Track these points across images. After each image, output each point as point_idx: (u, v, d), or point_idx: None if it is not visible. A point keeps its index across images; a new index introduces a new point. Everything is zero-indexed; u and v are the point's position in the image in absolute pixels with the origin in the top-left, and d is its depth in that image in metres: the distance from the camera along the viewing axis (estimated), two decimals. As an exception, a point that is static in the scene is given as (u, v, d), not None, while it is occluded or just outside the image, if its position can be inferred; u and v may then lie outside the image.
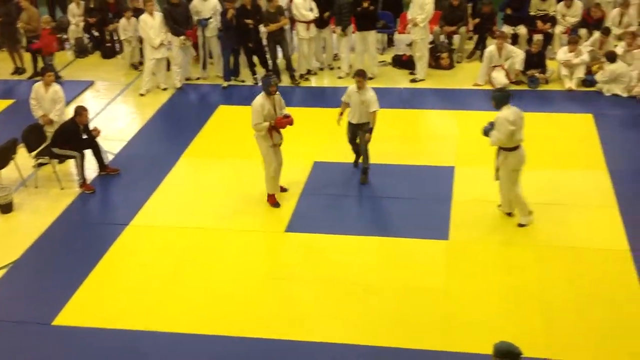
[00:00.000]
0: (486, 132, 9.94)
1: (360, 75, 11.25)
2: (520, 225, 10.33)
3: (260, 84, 10.78)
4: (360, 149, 11.64)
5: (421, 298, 9.07)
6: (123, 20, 16.38)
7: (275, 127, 10.61)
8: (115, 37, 17.76)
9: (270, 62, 15.71)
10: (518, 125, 9.83)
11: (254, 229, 10.68)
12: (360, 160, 11.77)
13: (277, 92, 10.69)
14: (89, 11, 17.82)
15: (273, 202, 11.10)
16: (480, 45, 16.37)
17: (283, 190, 11.32)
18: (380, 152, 12.35)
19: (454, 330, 8.50)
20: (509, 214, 10.51)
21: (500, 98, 9.90)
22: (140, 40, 15.92)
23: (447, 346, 8.28)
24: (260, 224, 10.80)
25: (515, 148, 9.96)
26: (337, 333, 8.55)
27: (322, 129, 13.01)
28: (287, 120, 10.64)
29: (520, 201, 10.31)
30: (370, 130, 11.25)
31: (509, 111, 9.77)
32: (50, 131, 12.25)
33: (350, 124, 11.52)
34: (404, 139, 12.97)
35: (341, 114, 11.56)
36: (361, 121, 11.33)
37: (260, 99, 10.57)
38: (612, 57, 14.28)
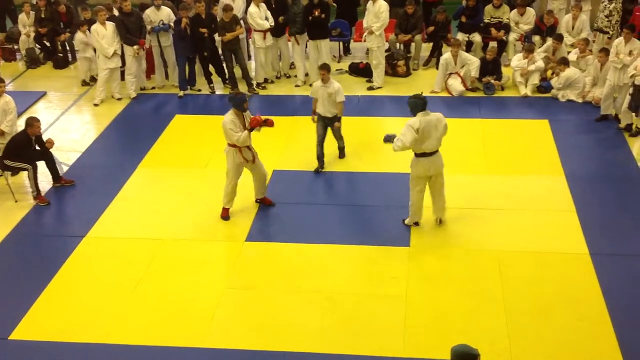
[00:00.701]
0: (387, 140, 9.91)
1: (324, 69, 11.80)
2: (403, 220, 10.46)
3: (229, 99, 10.58)
4: (335, 137, 12.28)
5: (383, 305, 9.05)
6: (79, 34, 16.06)
7: (250, 130, 10.41)
8: (67, 47, 17.54)
9: (226, 71, 15.66)
10: (428, 133, 9.69)
11: (214, 239, 10.56)
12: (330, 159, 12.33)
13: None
14: (39, 21, 17.54)
15: (224, 215, 10.98)
16: (436, 53, 16.47)
17: (268, 202, 11.17)
18: (340, 160, 12.37)
19: (416, 337, 8.48)
20: (439, 221, 10.54)
21: (414, 105, 9.81)
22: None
23: (409, 353, 8.27)
24: (220, 234, 10.68)
25: (423, 155, 9.87)
26: (298, 341, 8.49)
27: (280, 137, 12.95)
28: (257, 120, 10.38)
29: (415, 207, 10.30)
30: (339, 119, 11.93)
31: (420, 118, 9.67)
32: (2, 143, 11.98)
33: (321, 118, 11.98)
34: (362, 147, 12.95)
35: (314, 111, 12.06)
36: (333, 114, 11.88)
37: (229, 116, 10.41)
38: (565, 64, 14.45)
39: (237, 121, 10.38)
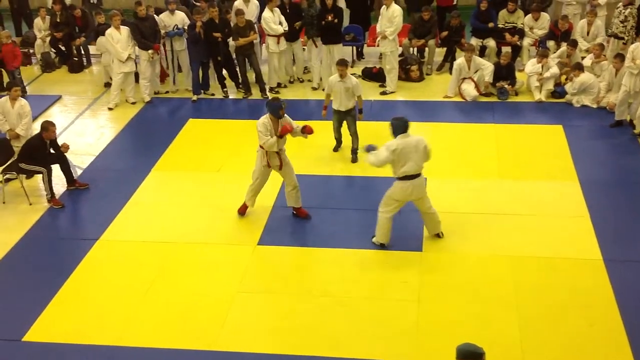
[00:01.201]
0: (368, 149, 9.82)
1: (343, 65, 12.17)
2: (373, 238, 10.26)
3: (266, 104, 10.59)
4: (350, 133, 12.61)
5: (395, 310, 9.03)
6: (102, 38, 16.04)
7: (280, 137, 10.39)
8: (82, 52, 17.64)
9: (239, 75, 15.72)
10: (407, 155, 9.48)
11: (226, 242, 10.57)
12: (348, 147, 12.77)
13: (285, 115, 10.50)
14: (55, 25, 17.64)
15: (241, 210, 11.09)
16: (450, 58, 16.46)
17: (303, 215, 11.04)
18: (351, 164, 12.39)
19: (428, 342, 8.46)
20: (437, 235, 10.38)
21: (396, 126, 9.60)
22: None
23: (421, 358, 8.26)
24: (232, 237, 10.69)
25: (405, 178, 9.64)
26: (310, 345, 8.49)
27: (293, 141, 12.90)
28: (286, 128, 10.35)
29: (383, 229, 10.06)
30: (360, 111, 12.55)
31: (398, 141, 9.48)
32: (17, 146, 12.08)
33: (336, 112, 12.45)
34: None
35: (325, 107, 12.58)
36: (348, 107, 12.31)
37: (264, 118, 10.38)
38: (579, 69, 14.41)
39: (270, 125, 10.34)
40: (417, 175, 9.68)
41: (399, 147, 9.44)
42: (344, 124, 12.62)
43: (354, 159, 12.62)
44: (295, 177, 10.84)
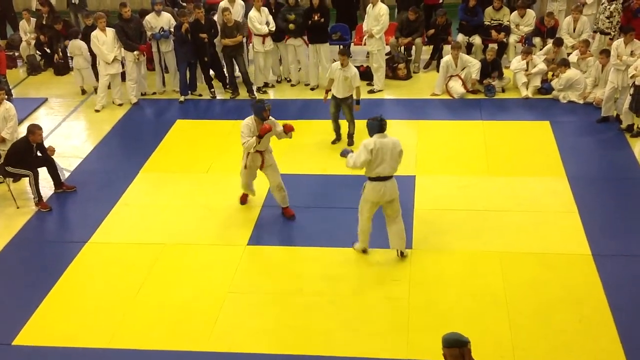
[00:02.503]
0: (343, 154, 9.76)
1: (344, 54, 12.61)
2: (353, 243, 10.13)
3: (250, 105, 10.61)
4: (347, 119, 13.09)
5: (386, 307, 9.06)
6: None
7: (259, 137, 10.33)
8: (68, 54, 17.55)
9: (227, 75, 15.71)
10: (382, 156, 9.34)
11: (216, 243, 10.56)
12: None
13: (270, 117, 10.46)
14: (40, 27, 17.54)
15: (242, 199, 11.37)
16: (437, 56, 16.48)
17: (288, 215, 11.01)
18: (340, 163, 12.32)
19: (419, 339, 8.47)
20: (400, 254, 9.97)
21: (371, 126, 9.45)
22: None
23: (412, 355, 8.27)
24: (222, 238, 10.67)
25: (377, 179, 9.49)
26: (302, 345, 8.50)
27: (282, 140, 12.90)
28: (265, 128, 10.27)
29: (364, 235, 9.91)
30: (358, 102, 12.78)
31: (375, 139, 9.35)
32: (3, 149, 12.01)
33: (334, 98, 12.86)
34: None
35: (327, 91, 12.94)
36: (345, 95, 12.72)
37: (248, 120, 10.40)
38: (566, 65, 14.46)
39: (254, 127, 10.34)
40: (390, 178, 9.54)
41: (376, 145, 9.31)
42: (342, 113, 13.04)
43: (350, 143, 12.95)
44: (279, 177, 10.84)
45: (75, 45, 15.86)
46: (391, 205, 9.73)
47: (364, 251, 10.05)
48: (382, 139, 9.41)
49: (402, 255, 9.90)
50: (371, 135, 9.45)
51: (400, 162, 9.67)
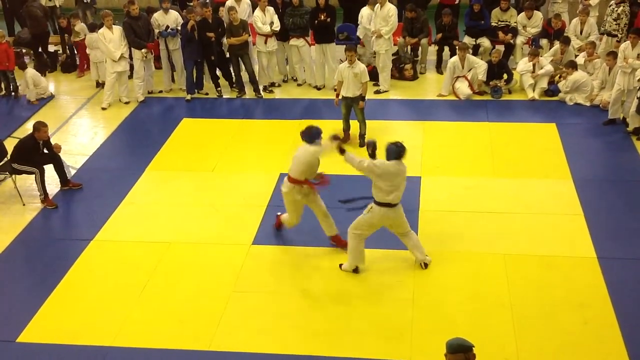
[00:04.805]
0: (369, 144, 9.54)
1: (352, 50, 12.57)
2: (340, 265, 9.88)
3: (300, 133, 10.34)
4: (358, 120, 13.03)
5: (390, 308, 9.04)
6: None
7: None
8: (75, 52, 17.59)
9: (233, 75, 15.75)
10: (390, 183, 9.11)
11: (221, 242, 10.56)
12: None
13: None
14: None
15: (277, 224, 10.75)
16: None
17: (341, 244, 10.17)
18: (345, 163, 12.33)
19: (423, 340, 8.47)
20: (425, 265, 9.81)
21: (390, 150, 9.20)
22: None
23: (416, 356, 8.26)
24: (227, 237, 10.67)
25: (385, 205, 9.27)
26: (305, 345, 8.49)
27: (286, 140, 12.97)
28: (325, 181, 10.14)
29: (355, 252, 9.61)
30: (363, 98, 12.79)
31: (389, 164, 9.13)
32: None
33: (344, 98, 12.84)
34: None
35: (337, 94, 12.90)
36: (355, 94, 12.69)
37: (318, 149, 10.07)
38: (573, 67, 14.43)
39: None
40: (397, 205, 9.38)
41: (385, 171, 9.10)
42: (352, 113, 12.99)
43: (362, 144, 12.66)
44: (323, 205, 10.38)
45: (93, 39, 15.89)
46: (398, 226, 9.56)
47: (356, 270, 9.74)
48: (398, 166, 9.19)
49: (426, 266, 9.77)
50: (388, 159, 9.22)
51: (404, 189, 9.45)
